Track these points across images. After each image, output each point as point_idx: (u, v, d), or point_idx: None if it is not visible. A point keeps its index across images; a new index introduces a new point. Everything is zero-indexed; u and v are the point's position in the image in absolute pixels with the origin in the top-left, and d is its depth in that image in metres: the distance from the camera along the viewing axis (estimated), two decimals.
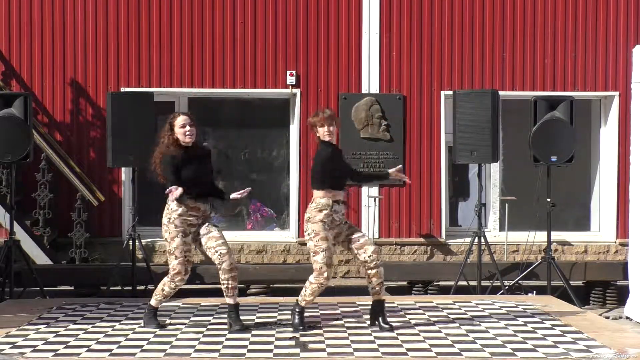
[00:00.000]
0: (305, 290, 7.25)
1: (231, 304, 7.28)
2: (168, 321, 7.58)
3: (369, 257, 7.24)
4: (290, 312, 7.39)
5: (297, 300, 7.34)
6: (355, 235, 7.29)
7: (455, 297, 9.17)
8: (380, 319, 7.27)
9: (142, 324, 7.40)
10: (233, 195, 7.38)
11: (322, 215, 7.18)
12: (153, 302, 7.39)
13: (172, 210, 7.21)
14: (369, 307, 7.46)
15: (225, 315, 7.35)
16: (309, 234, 7.23)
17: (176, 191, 7.06)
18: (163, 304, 8.18)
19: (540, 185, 9.98)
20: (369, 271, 7.27)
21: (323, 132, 7.22)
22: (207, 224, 7.30)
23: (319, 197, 7.22)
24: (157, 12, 11.38)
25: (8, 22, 11.32)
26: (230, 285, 7.24)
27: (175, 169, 7.15)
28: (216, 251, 7.21)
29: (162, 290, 7.33)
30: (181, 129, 7.21)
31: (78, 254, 10.88)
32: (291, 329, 7.21)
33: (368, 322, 7.43)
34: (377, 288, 7.30)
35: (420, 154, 11.51)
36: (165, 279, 7.32)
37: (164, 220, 7.24)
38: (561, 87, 11.56)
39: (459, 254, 11.28)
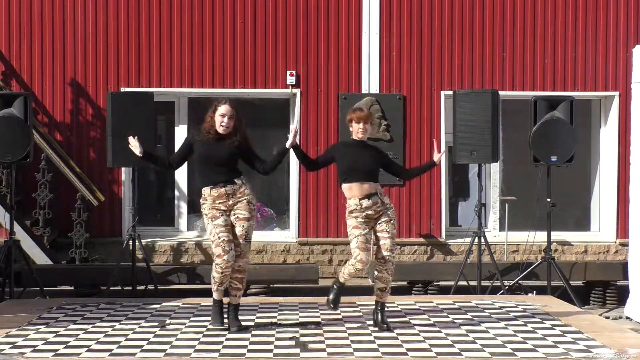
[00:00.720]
0: (344, 270, 7.32)
1: (231, 303, 7.28)
2: (168, 321, 7.57)
3: (377, 260, 7.30)
4: (289, 311, 7.38)
5: (337, 276, 7.43)
6: (380, 234, 7.29)
7: (455, 297, 9.17)
8: (378, 317, 7.27)
9: (142, 324, 7.38)
10: (289, 143, 7.38)
11: (354, 214, 7.27)
12: (215, 295, 7.31)
13: (201, 199, 7.30)
14: (370, 306, 7.45)
15: (226, 315, 7.35)
16: (348, 226, 7.35)
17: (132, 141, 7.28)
18: (162, 303, 8.20)
19: (540, 185, 9.98)
20: (376, 272, 7.33)
21: (357, 129, 7.37)
22: (237, 215, 7.21)
23: (347, 198, 7.34)
24: (157, 12, 11.39)
25: (8, 22, 11.32)
26: (233, 285, 7.24)
27: (186, 149, 7.31)
28: (234, 250, 7.20)
29: (213, 278, 7.24)
30: (220, 117, 7.22)
31: (78, 254, 10.88)
32: (291, 329, 7.21)
33: (370, 320, 7.45)
34: (377, 292, 7.32)
35: (420, 154, 11.51)
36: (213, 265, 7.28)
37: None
38: (561, 87, 11.56)
39: (459, 254, 11.28)
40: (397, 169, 7.78)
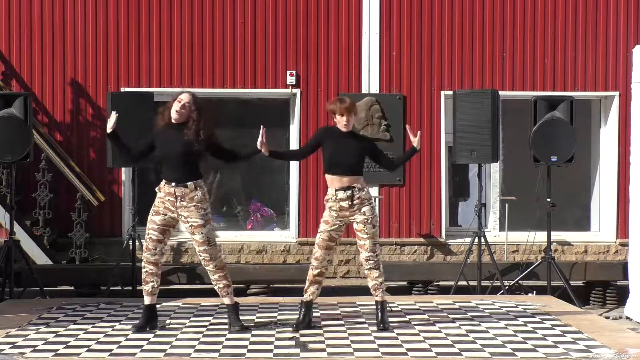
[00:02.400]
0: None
1: (228, 303, 7.28)
2: (168, 321, 7.57)
3: (361, 260, 7.30)
4: (289, 311, 7.39)
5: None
6: (359, 234, 7.25)
7: (455, 297, 9.17)
8: (378, 317, 7.27)
9: (134, 327, 7.32)
10: (258, 144, 7.37)
11: (329, 203, 7.26)
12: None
13: (157, 187, 7.22)
14: (370, 306, 7.45)
15: (226, 315, 7.35)
16: None
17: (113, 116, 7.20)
18: (162, 303, 8.20)
19: (540, 185, 9.98)
20: (365, 271, 7.32)
21: (341, 122, 7.26)
22: (190, 223, 7.13)
23: (329, 186, 7.31)
24: (157, 12, 11.39)
25: (8, 22, 11.33)
26: (219, 286, 7.26)
27: (147, 142, 7.26)
28: (201, 257, 7.21)
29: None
30: (176, 102, 7.10)
31: (78, 254, 10.88)
32: (291, 329, 7.21)
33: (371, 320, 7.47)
34: (371, 290, 7.32)
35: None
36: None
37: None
38: (561, 87, 11.56)
39: (459, 254, 11.28)
40: (386, 161, 7.54)
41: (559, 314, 7.92)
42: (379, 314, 7.26)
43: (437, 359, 6.27)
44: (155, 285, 7.22)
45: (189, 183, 7.08)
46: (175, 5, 11.39)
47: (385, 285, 7.37)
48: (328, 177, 7.31)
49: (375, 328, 7.24)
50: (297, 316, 7.37)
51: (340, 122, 7.25)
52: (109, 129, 7.23)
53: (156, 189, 7.24)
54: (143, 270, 7.21)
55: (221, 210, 11.92)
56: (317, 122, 11.41)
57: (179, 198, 7.09)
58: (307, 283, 7.38)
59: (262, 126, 7.41)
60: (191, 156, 7.09)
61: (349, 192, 7.19)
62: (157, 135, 7.25)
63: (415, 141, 7.38)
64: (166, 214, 7.16)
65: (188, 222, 7.12)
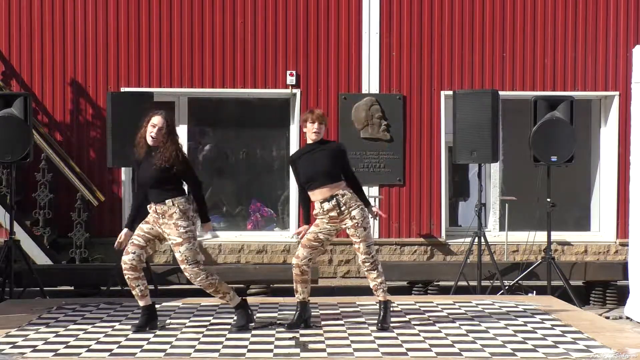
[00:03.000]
0: None
1: (232, 307, 7.32)
2: (168, 321, 7.57)
3: (360, 262, 7.31)
4: (289, 311, 7.39)
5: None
6: (353, 238, 7.25)
7: (455, 297, 9.17)
8: (380, 316, 7.27)
9: (134, 327, 7.31)
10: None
11: (318, 220, 7.28)
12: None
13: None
14: (370, 306, 7.46)
15: (225, 315, 7.34)
16: None
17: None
18: (162, 303, 8.20)
19: (540, 185, 9.98)
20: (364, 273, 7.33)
21: (311, 130, 7.34)
22: (170, 240, 7.13)
23: (313, 201, 7.32)
24: (157, 12, 11.39)
25: (8, 22, 11.33)
26: (214, 293, 7.25)
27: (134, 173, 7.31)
28: (184, 268, 7.18)
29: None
30: (151, 127, 7.14)
31: (78, 254, 10.88)
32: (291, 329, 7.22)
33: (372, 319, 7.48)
34: (372, 290, 7.32)
35: (420, 154, 11.51)
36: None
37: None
38: (561, 87, 11.56)
39: (459, 254, 11.28)
40: (348, 174, 7.39)
41: (559, 314, 7.92)
42: (381, 314, 7.27)
43: (437, 359, 6.27)
44: (143, 288, 7.22)
45: (167, 200, 7.10)
46: (175, 5, 11.39)
47: (387, 285, 7.36)
48: (310, 193, 7.28)
49: (375, 328, 7.24)
50: (293, 316, 7.37)
51: (310, 130, 7.32)
52: (126, 235, 7.33)
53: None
54: (125, 277, 7.21)
55: (221, 210, 11.93)
56: None
57: (160, 215, 7.14)
58: (294, 284, 7.40)
59: (298, 233, 7.53)
60: (164, 179, 7.11)
61: (333, 202, 7.19)
62: (136, 163, 7.32)
63: (372, 212, 7.38)
64: (153, 227, 7.21)
65: (169, 239, 7.17)
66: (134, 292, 7.24)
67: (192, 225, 7.16)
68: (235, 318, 7.30)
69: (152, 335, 7.05)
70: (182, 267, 7.14)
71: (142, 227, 7.23)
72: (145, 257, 7.31)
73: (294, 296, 7.48)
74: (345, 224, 7.22)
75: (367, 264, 7.21)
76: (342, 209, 7.17)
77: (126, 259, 7.16)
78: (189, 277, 7.16)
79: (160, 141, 7.12)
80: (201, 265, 7.16)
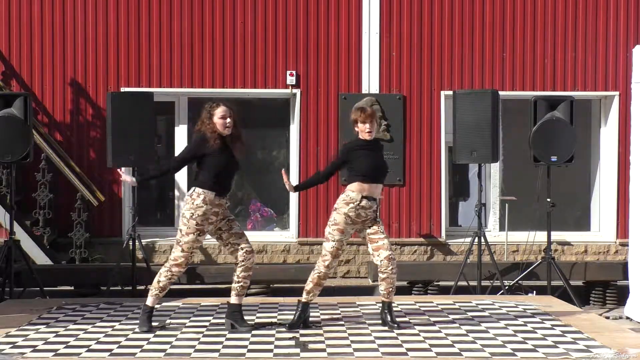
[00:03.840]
0: (309, 280, 7.35)
1: (236, 303, 7.28)
2: (168, 321, 7.57)
3: (380, 262, 7.22)
4: (289, 311, 7.39)
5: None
6: (375, 236, 7.25)
7: (455, 297, 9.17)
8: (387, 317, 7.27)
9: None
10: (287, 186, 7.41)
11: (348, 208, 7.19)
12: (149, 300, 7.22)
13: (196, 206, 7.09)
14: (370, 306, 7.45)
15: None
16: (330, 221, 7.27)
17: (125, 176, 7.38)
18: (162, 303, 8.19)
19: (540, 185, 9.98)
20: (380, 275, 7.26)
21: (363, 130, 7.30)
22: (227, 218, 7.24)
23: (350, 190, 7.23)
24: (157, 12, 11.39)
25: (8, 22, 11.33)
26: (244, 284, 7.27)
27: (195, 153, 7.18)
28: (242, 248, 7.21)
29: (158, 282, 7.18)
30: (221, 119, 7.18)
31: (78, 254, 10.88)
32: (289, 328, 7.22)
33: (371, 320, 7.45)
34: (384, 292, 7.30)
35: (420, 154, 11.51)
36: (162, 269, 7.21)
37: (186, 213, 7.11)
38: (561, 87, 11.56)
39: (459, 254, 11.28)
40: None
41: (559, 314, 7.92)
42: (389, 315, 7.26)
43: (437, 359, 6.27)
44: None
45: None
46: (175, 5, 11.39)
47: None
48: (362, 186, 7.22)
49: (375, 328, 7.24)
50: (293, 316, 7.36)
51: (363, 130, 7.30)
52: (133, 184, 7.52)
53: (196, 199, 7.23)
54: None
55: None
56: (317, 122, 11.42)
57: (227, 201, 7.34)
58: (311, 284, 7.33)
59: (282, 170, 7.51)
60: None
61: (371, 202, 7.22)
62: (212, 150, 7.22)
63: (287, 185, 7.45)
64: (207, 231, 7.30)
65: (232, 218, 7.36)
66: (163, 294, 7.26)
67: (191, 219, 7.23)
68: (239, 319, 7.27)
69: (152, 335, 7.05)
70: (245, 239, 7.25)
71: (199, 239, 7.16)
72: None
73: (295, 296, 7.47)
74: (368, 223, 7.24)
75: (393, 262, 7.17)
76: (371, 213, 7.23)
77: (183, 271, 7.24)
78: (249, 249, 7.22)
79: (232, 130, 7.21)
80: None
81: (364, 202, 7.19)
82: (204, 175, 7.13)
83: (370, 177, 7.24)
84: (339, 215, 7.21)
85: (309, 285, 7.34)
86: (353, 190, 7.20)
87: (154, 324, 7.28)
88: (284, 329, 7.23)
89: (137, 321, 7.33)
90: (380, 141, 7.78)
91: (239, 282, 7.24)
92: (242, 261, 7.20)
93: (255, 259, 7.31)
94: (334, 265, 7.29)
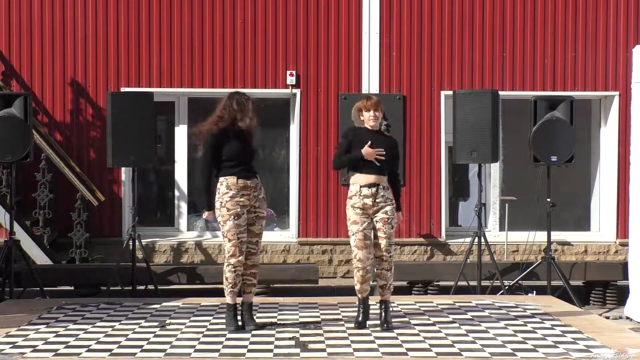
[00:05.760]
0: (355, 279, 7.35)
1: (245, 301, 7.32)
2: (168, 321, 7.57)
3: (375, 258, 7.30)
4: (289, 311, 7.38)
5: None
6: (378, 233, 7.28)
7: (455, 297, 9.17)
8: (382, 316, 7.28)
9: (142, 324, 7.37)
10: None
11: (352, 201, 7.28)
12: (228, 299, 7.24)
13: (222, 193, 7.17)
14: (370, 306, 7.46)
15: (225, 316, 7.32)
16: (347, 221, 7.36)
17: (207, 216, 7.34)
18: (162, 303, 8.19)
19: (540, 185, 9.98)
20: (375, 270, 7.34)
21: (367, 118, 7.34)
22: (256, 212, 7.25)
23: (351, 184, 7.34)
24: (157, 12, 11.39)
25: (8, 22, 11.33)
26: (247, 282, 7.30)
27: (215, 145, 7.24)
28: (247, 248, 7.24)
29: (226, 279, 7.21)
30: (240, 112, 7.31)
31: (78, 254, 10.88)
32: (291, 329, 7.22)
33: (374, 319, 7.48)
34: (379, 289, 7.35)
35: (420, 154, 11.51)
36: (224, 266, 7.25)
37: (217, 204, 7.20)
38: (561, 87, 11.56)
39: (459, 254, 11.28)
40: (394, 173, 7.50)
41: (559, 314, 7.92)
42: (383, 314, 7.27)
43: (437, 359, 6.27)
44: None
45: (257, 175, 7.42)
46: (175, 5, 11.39)
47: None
48: (356, 174, 7.30)
49: (375, 328, 7.24)
50: (356, 315, 7.37)
51: (367, 117, 7.35)
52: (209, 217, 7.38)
53: (224, 190, 7.31)
54: (235, 273, 7.21)
55: None
56: (317, 122, 11.42)
57: (253, 188, 7.34)
58: (358, 284, 7.34)
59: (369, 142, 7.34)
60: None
61: (374, 189, 7.23)
62: (224, 138, 7.36)
63: (398, 217, 7.44)
64: (241, 214, 7.27)
65: (258, 212, 7.36)
66: (235, 289, 7.21)
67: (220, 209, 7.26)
68: (248, 317, 7.31)
69: (152, 335, 7.05)
70: (256, 240, 7.26)
71: (239, 223, 7.16)
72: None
73: (295, 296, 7.49)
74: (376, 217, 7.26)
75: (385, 262, 7.24)
76: (378, 200, 7.22)
77: (241, 259, 7.17)
78: (253, 251, 7.23)
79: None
80: None
81: (364, 191, 7.22)
82: (222, 165, 7.24)
83: (366, 166, 7.27)
84: (348, 210, 7.32)
85: (356, 284, 7.35)
86: (352, 183, 7.32)
87: (154, 323, 7.30)
88: (283, 329, 7.23)
89: (138, 321, 7.31)
90: (389, 136, 7.70)
91: (243, 280, 7.29)
92: (246, 259, 7.23)
93: (257, 259, 7.32)
94: (367, 256, 7.22)
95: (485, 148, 9.74)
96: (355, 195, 7.26)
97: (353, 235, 7.27)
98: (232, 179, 7.19)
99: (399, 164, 7.58)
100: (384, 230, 7.25)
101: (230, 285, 7.19)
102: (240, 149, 7.28)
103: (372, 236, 7.30)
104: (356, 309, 7.40)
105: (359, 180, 7.28)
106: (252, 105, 7.38)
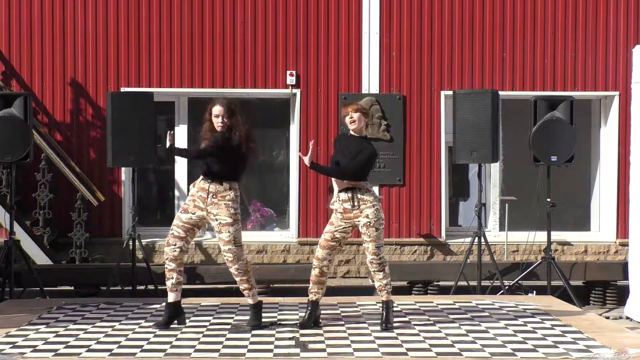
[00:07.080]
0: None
1: (250, 303, 7.35)
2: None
3: (367, 262, 7.36)
4: (289, 311, 7.39)
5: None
6: (363, 237, 7.30)
7: (455, 297, 9.17)
8: (383, 316, 7.29)
9: (142, 324, 7.35)
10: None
11: (335, 205, 7.36)
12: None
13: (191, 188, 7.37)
14: (369, 306, 7.46)
15: (225, 315, 7.33)
16: None
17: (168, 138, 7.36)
18: (162, 303, 8.19)
19: (540, 185, 9.98)
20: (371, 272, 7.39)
21: (348, 121, 7.36)
22: (217, 219, 7.20)
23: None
24: (157, 12, 11.39)
25: (8, 22, 11.33)
26: (241, 287, 7.34)
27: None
28: (225, 257, 7.25)
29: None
30: (215, 118, 7.30)
31: (78, 254, 10.88)
32: (291, 329, 7.21)
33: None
34: (376, 290, 7.37)
35: (420, 154, 11.51)
36: None
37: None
38: (561, 87, 11.56)
39: (459, 254, 11.28)
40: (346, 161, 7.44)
41: (559, 314, 7.92)
42: (384, 314, 7.28)
43: (437, 359, 6.27)
44: (175, 282, 7.30)
45: (224, 182, 7.29)
46: (175, 5, 11.39)
47: (391, 286, 7.38)
48: (334, 180, 7.40)
49: (375, 328, 7.24)
50: (303, 315, 7.40)
51: (348, 121, 7.36)
52: (168, 145, 7.39)
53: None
54: (165, 266, 7.33)
55: None
56: (317, 122, 11.42)
57: (211, 195, 7.29)
58: (310, 283, 7.43)
59: (311, 142, 7.52)
60: (225, 159, 7.37)
61: (349, 194, 7.25)
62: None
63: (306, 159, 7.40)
64: (192, 216, 7.35)
65: (216, 219, 7.25)
66: (167, 283, 7.28)
67: (239, 209, 7.27)
68: (249, 316, 7.32)
69: (152, 335, 7.05)
70: (226, 247, 7.18)
71: (181, 218, 7.31)
72: (187, 247, 7.36)
73: (295, 296, 7.50)
74: (358, 221, 7.27)
75: (374, 264, 7.27)
76: (355, 204, 7.23)
77: (167, 250, 7.29)
78: (230, 259, 7.18)
79: (227, 126, 7.29)
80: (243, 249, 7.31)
81: (342, 195, 7.30)
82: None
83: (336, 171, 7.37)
84: (332, 213, 7.41)
85: (310, 284, 7.45)
86: (334, 189, 7.41)
87: (153, 323, 7.32)
88: (284, 329, 7.23)
89: (138, 321, 7.32)
90: (370, 140, 7.68)
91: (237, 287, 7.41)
92: (228, 268, 7.33)
93: (238, 266, 7.23)
94: (324, 256, 7.34)
95: (485, 148, 9.74)
96: (336, 201, 7.34)
97: (323, 234, 7.39)
98: (198, 179, 7.36)
99: (354, 163, 7.27)
100: (368, 234, 7.25)
101: (166, 278, 7.30)
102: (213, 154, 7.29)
103: (342, 241, 7.39)
104: (356, 308, 7.40)
105: (337, 185, 7.37)
106: (242, 119, 7.38)
